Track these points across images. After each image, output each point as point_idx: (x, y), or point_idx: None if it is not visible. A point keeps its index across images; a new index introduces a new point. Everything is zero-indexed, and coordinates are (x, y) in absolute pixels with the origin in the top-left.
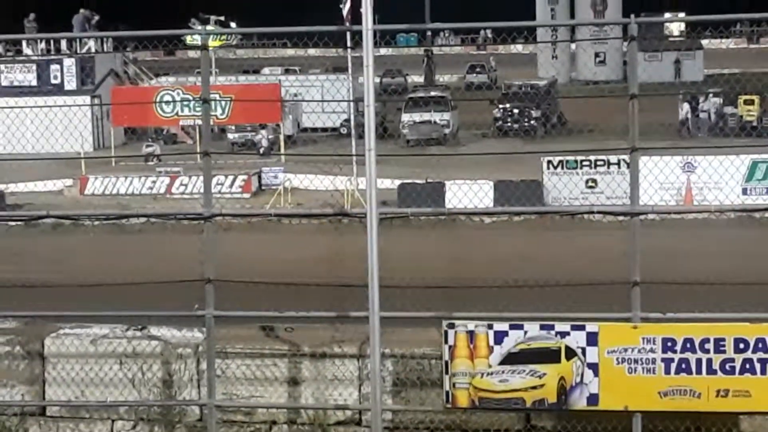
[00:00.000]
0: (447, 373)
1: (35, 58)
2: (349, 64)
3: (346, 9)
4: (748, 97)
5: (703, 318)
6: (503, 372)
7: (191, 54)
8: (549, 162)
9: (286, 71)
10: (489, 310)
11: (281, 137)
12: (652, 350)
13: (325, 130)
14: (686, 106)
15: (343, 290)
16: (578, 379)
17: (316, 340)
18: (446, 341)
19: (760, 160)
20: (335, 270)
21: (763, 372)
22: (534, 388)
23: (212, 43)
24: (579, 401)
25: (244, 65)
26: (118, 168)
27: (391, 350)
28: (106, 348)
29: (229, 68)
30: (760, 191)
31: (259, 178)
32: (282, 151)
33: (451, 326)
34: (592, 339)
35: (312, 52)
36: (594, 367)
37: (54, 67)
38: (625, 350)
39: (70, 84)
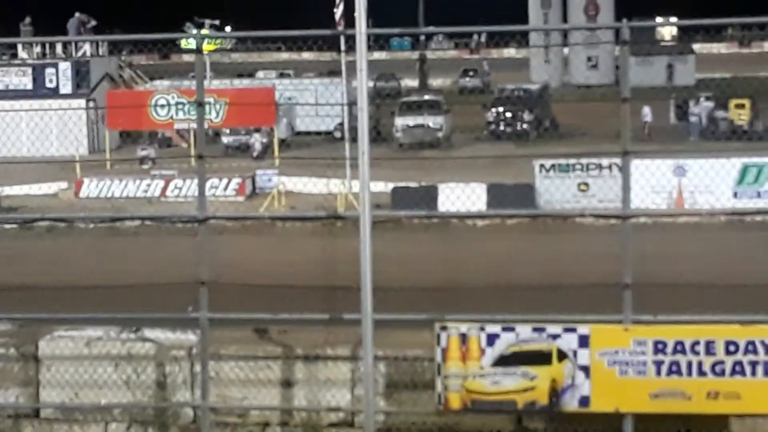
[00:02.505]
0: (439, 375)
1: (31, 61)
2: (343, 68)
3: (339, 13)
4: (739, 101)
5: (693, 320)
6: (495, 374)
7: (186, 58)
8: (541, 165)
9: (281, 75)
10: (481, 313)
11: (275, 140)
12: (643, 352)
13: (318, 133)
14: (646, 110)
15: (336, 292)
16: (570, 381)
17: (310, 343)
18: (439, 343)
19: (750, 164)
20: (329, 272)
21: (753, 374)
22: (525, 390)
23: (207, 46)
24: (570, 403)
25: (239, 69)
26: (113, 171)
27: (384, 352)
28: (100, 350)
29: (224, 72)
30: (751, 195)
31: (253, 181)
32: (276, 154)
33: (444, 328)
34: (584, 341)
35: (306, 56)
36: (585, 369)
37: (49, 70)
38: (617, 352)
39: (66, 88)
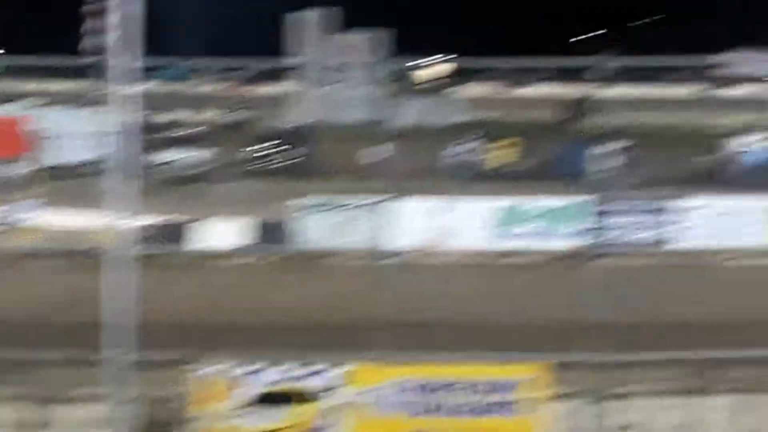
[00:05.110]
0: (193, 415)
1: None
2: (104, 99)
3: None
4: (505, 141)
5: (445, 360)
6: (250, 414)
7: None
8: (300, 203)
9: (42, 104)
10: (238, 353)
11: (32, 172)
12: (401, 391)
13: (80, 165)
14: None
15: (88, 331)
16: (326, 420)
17: (61, 383)
18: (192, 384)
19: (510, 205)
20: (82, 310)
21: (507, 412)
22: (280, 430)
23: None
24: None
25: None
26: None
27: (139, 392)
28: None
29: None
30: (509, 235)
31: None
32: (34, 186)
33: (197, 369)
34: (343, 380)
35: (69, 85)
36: (343, 408)
37: None
38: (374, 391)
39: None
